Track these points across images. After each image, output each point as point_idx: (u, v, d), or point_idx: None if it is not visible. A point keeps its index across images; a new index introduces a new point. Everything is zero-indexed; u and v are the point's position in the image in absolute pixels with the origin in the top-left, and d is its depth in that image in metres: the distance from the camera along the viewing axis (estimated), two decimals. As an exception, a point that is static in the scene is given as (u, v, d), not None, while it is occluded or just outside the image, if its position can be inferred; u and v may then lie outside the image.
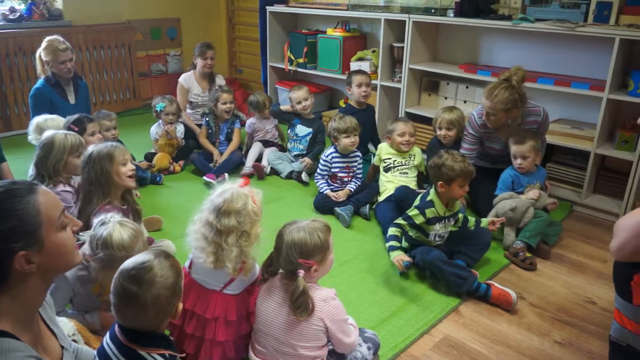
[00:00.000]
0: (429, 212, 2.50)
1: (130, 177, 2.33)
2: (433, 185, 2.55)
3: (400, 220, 2.56)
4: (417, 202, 2.58)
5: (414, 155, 3.30)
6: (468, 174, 2.47)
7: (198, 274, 1.82)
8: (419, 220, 2.51)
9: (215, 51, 4.37)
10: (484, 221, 2.68)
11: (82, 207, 2.32)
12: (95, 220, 1.87)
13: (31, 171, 2.99)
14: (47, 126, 3.00)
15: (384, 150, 3.32)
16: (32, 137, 3.05)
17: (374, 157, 3.76)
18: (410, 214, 2.54)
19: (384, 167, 3.28)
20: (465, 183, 2.49)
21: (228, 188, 1.76)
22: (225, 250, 1.70)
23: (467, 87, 3.92)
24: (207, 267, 1.74)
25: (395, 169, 3.24)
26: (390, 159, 3.27)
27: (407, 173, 3.24)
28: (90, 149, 2.35)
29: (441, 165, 2.47)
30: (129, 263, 1.40)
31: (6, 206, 1.15)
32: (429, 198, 2.54)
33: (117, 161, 2.28)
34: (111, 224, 1.82)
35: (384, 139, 4.22)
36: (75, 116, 3.00)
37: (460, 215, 2.64)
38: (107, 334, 1.43)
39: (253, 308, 1.82)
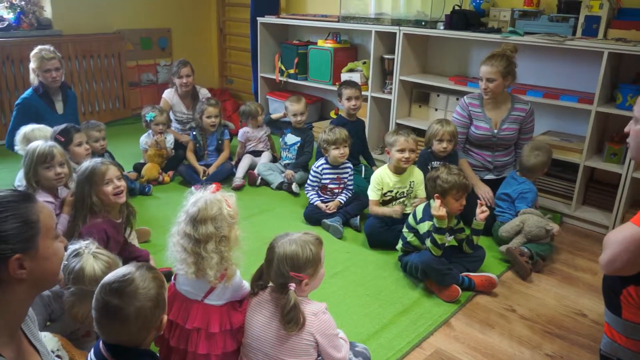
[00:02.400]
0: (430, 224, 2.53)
1: (117, 194, 2.27)
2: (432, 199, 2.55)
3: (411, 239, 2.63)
4: (420, 215, 2.58)
5: (413, 182, 3.01)
6: (462, 186, 2.48)
7: (181, 284, 1.81)
8: (430, 227, 2.50)
9: (191, 68, 4.19)
10: (474, 222, 2.61)
11: (69, 227, 2.30)
12: (70, 248, 1.79)
13: (17, 181, 2.96)
14: (35, 136, 2.97)
15: (384, 178, 2.98)
16: (18, 147, 3.02)
17: (365, 168, 3.77)
18: (423, 231, 2.54)
19: (384, 199, 3.00)
20: (461, 196, 2.50)
21: (200, 196, 1.75)
22: (205, 258, 1.69)
23: (457, 99, 3.93)
24: (190, 278, 1.74)
25: (397, 200, 3.00)
26: (392, 191, 2.98)
27: (405, 203, 3.02)
28: (81, 166, 2.31)
29: (436, 178, 2.52)
30: (110, 277, 1.38)
31: (9, 208, 1.18)
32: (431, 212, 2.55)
33: (97, 183, 2.23)
34: (85, 255, 1.75)
35: (374, 150, 4.25)
36: (62, 126, 2.97)
37: (464, 234, 2.64)
38: (92, 350, 1.40)
39: (238, 325, 1.80)
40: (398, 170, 2.98)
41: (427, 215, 2.54)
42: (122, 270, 1.39)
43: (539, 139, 3.36)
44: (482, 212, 2.56)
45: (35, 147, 2.48)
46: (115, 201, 2.28)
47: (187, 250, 1.72)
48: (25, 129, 3.02)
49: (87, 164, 2.29)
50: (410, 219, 2.64)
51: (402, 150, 2.92)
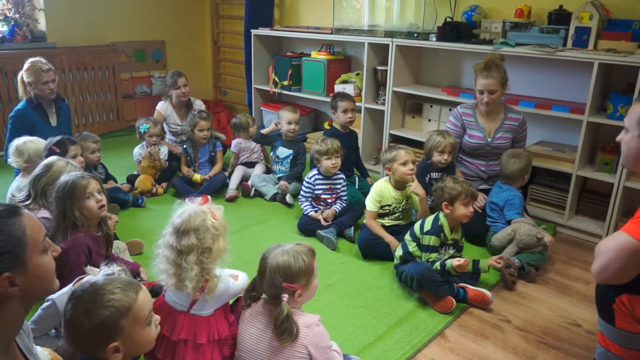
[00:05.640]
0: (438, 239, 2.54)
1: (100, 208, 2.21)
2: (440, 211, 2.56)
3: (415, 251, 2.59)
4: (428, 227, 2.56)
5: (410, 197, 2.98)
6: (470, 193, 2.51)
7: (169, 295, 1.81)
8: (435, 242, 2.51)
9: (186, 78, 4.22)
10: (483, 262, 2.60)
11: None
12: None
13: (9, 194, 2.94)
14: (27, 148, 2.97)
15: (384, 191, 2.94)
16: (12, 160, 3.01)
17: (358, 179, 3.77)
18: (426, 243, 2.53)
19: (381, 213, 2.99)
20: (469, 202, 2.51)
21: (186, 209, 1.76)
22: (186, 269, 1.69)
23: (450, 110, 3.96)
24: (170, 289, 1.74)
25: (393, 215, 3.00)
26: (391, 205, 2.96)
27: (401, 217, 3.03)
28: (59, 181, 2.22)
29: (443, 187, 2.54)
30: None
31: None
32: (439, 222, 2.55)
33: (79, 197, 2.16)
34: None
35: (367, 161, 4.26)
36: (57, 138, 2.96)
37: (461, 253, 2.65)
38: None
39: (227, 334, 1.79)
40: (399, 186, 2.95)
41: (435, 230, 2.53)
42: (108, 279, 1.35)
43: (531, 149, 3.38)
44: (497, 262, 2.57)
45: (65, 165, 2.44)
46: (99, 215, 2.23)
47: (169, 262, 1.72)
48: (17, 141, 3.02)
49: (66, 178, 2.20)
50: (416, 228, 2.60)
51: (405, 163, 2.88)
